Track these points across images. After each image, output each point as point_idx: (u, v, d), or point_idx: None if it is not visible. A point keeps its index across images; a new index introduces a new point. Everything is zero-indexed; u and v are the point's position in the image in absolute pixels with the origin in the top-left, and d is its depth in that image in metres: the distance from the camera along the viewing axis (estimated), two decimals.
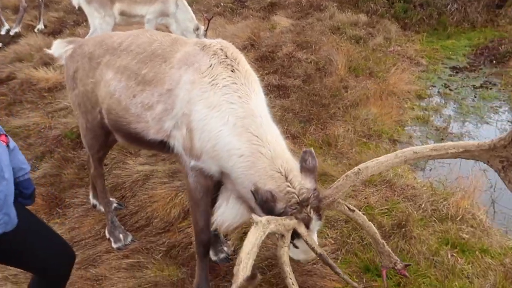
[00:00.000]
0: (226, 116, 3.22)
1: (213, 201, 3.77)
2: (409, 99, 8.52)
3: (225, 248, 4.50)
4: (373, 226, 2.98)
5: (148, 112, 3.60)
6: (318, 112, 7.36)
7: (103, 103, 3.97)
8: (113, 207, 5.05)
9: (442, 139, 7.34)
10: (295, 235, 2.97)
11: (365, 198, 5.04)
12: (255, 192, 2.93)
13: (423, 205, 4.88)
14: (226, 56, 3.45)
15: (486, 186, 5.70)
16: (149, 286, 4.19)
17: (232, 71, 3.38)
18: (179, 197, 5.22)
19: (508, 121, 8.01)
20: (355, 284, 3.35)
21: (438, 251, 4.16)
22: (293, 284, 2.66)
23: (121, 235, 4.78)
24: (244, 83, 3.35)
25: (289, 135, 6.54)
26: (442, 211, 4.81)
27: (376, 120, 7.32)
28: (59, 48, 4.42)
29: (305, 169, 3.12)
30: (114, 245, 4.74)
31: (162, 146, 3.68)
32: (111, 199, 5.23)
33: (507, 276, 3.76)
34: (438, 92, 9.12)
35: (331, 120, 7.18)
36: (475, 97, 8.88)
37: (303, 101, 7.70)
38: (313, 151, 3.26)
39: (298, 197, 2.97)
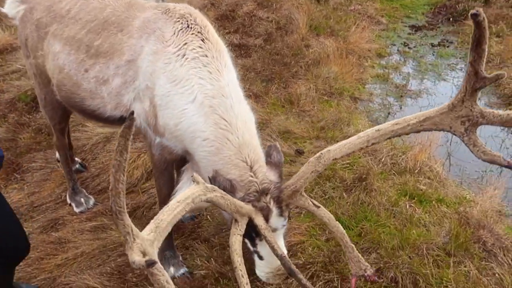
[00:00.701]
0: (193, 93, 2.91)
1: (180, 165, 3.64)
2: (369, 57, 8.61)
3: None
4: (341, 226, 2.70)
5: (104, 86, 3.32)
6: (280, 71, 7.34)
7: (53, 78, 3.67)
8: (75, 168, 4.91)
9: (401, 96, 7.50)
10: (257, 236, 2.80)
11: None
12: (213, 180, 2.72)
13: (383, 159, 5.00)
14: (195, 22, 3.10)
15: (442, 141, 5.89)
16: (114, 246, 4.16)
17: (202, 40, 3.03)
18: (141, 158, 5.16)
19: None
20: None
21: (397, 202, 4.30)
22: (242, 276, 2.46)
23: (82, 199, 4.69)
24: (215, 56, 3.01)
25: (251, 94, 6.50)
26: (401, 164, 4.95)
27: (337, 78, 7.37)
28: (11, 7, 3.94)
29: (270, 163, 2.93)
30: (76, 210, 4.65)
31: (123, 122, 3.47)
32: (76, 159, 5.13)
33: (461, 223, 3.94)
34: (398, 50, 9.23)
35: (293, 79, 7.18)
36: (433, 55, 9.06)
37: (264, 60, 7.65)
38: (278, 145, 3.05)
39: (258, 186, 2.77)
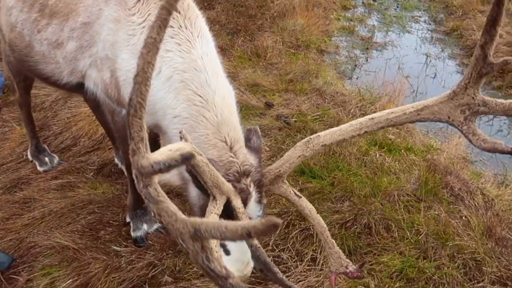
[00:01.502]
0: (157, 67, 2.60)
1: None
2: (335, 10, 8.54)
3: None
4: (322, 220, 2.54)
5: (58, 50, 3.03)
6: (245, 23, 7.17)
7: (5, 36, 3.38)
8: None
9: (367, 48, 7.50)
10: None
11: (297, 106, 5.09)
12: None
13: (352, 110, 5.03)
14: None
15: (408, 91, 5.98)
16: (83, 204, 4.05)
17: None
18: None
19: (428, 29, 8.30)
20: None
21: (368, 151, 4.35)
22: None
23: (47, 159, 4.50)
24: (185, 25, 2.70)
25: (217, 48, 6.33)
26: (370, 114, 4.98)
27: (303, 31, 7.27)
28: None
29: (250, 148, 2.69)
30: (40, 168, 4.46)
31: (81, 89, 3.13)
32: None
33: (429, 169, 4.04)
34: (362, 3, 9.19)
35: (259, 32, 7.03)
36: (397, 7, 9.06)
37: (229, 13, 7.44)
38: (258, 129, 2.80)
39: (239, 167, 2.51)
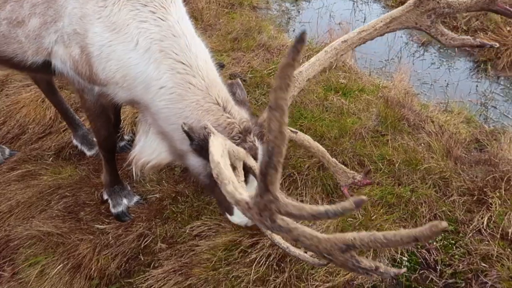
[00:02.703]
0: (133, 39, 2.54)
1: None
2: None
3: (125, 136, 4.33)
4: (320, 145, 2.67)
5: (19, 29, 2.84)
6: None
7: None
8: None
9: (296, 0, 7.61)
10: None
11: (248, 63, 5.14)
12: (190, 132, 2.41)
13: (301, 61, 5.15)
14: None
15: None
16: (51, 190, 3.91)
17: None
18: None
19: None
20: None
21: (326, 97, 4.54)
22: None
23: None
24: None
25: None
26: None
27: None
28: None
29: (238, 102, 2.71)
30: None
31: (48, 68, 2.97)
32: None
33: (387, 104, 4.31)
34: None
35: None
36: None
37: None
38: (239, 82, 2.85)
39: (239, 126, 2.53)
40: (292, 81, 1.28)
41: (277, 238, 2.21)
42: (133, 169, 3.04)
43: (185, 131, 2.43)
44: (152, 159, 2.93)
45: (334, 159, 2.61)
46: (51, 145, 4.44)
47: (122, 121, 4.32)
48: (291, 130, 2.65)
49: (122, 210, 3.65)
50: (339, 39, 2.61)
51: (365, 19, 7.02)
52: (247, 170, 2.45)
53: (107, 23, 2.59)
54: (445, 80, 5.49)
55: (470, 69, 5.73)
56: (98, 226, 3.60)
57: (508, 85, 5.32)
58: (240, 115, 2.59)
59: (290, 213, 1.40)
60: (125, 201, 3.69)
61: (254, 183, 2.53)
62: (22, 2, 2.77)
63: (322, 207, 1.30)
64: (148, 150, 2.92)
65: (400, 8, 2.48)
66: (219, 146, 2.01)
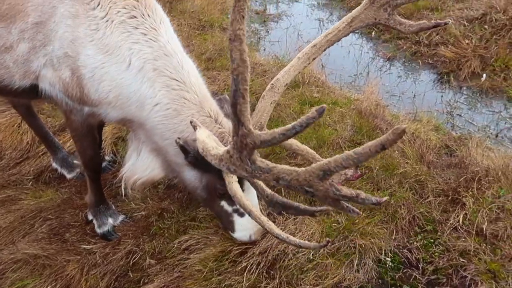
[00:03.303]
0: (126, 60, 2.64)
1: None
2: None
3: (106, 157, 4.35)
4: (309, 148, 2.80)
5: (7, 55, 2.86)
6: None
7: None
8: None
9: (264, 21, 7.85)
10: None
11: (223, 82, 5.26)
12: (185, 145, 2.51)
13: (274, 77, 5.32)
14: None
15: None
16: (33, 214, 3.88)
17: None
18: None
19: None
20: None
21: (302, 110, 4.70)
22: (260, 216, 2.36)
23: None
24: (147, 14, 2.70)
25: None
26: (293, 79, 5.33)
27: (203, 12, 7.40)
28: None
29: (226, 115, 2.82)
30: None
31: (34, 92, 3.00)
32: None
33: (361, 115, 4.50)
34: None
35: None
36: None
37: None
38: (227, 97, 2.97)
39: (229, 135, 2.63)
40: (246, 14, 1.40)
41: (276, 230, 2.28)
42: (124, 186, 3.10)
43: (180, 145, 2.52)
44: (145, 176, 3.00)
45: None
46: (30, 169, 4.41)
47: (103, 142, 4.35)
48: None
49: (108, 229, 3.65)
50: (308, 44, 2.76)
51: None
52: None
53: (100, 46, 2.66)
54: (412, 92, 5.76)
55: (434, 81, 6.03)
56: (84, 246, 3.58)
57: (471, 94, 5.63)
58: (229, 125, 2.69)
59: (264, 140, 1.52)
60: (110, 220, 3.70)
61: (251, 190, 2.62)
62: (10, 28, 2.79)
63: (289, 125, 1.43)
64: (141, 167, 2.99)
65: (358, 7, 2.70)
66: (205, 132, 2.18)
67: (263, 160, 1.66)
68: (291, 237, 2.24)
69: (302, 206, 2.16)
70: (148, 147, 2.93)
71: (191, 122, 2.31)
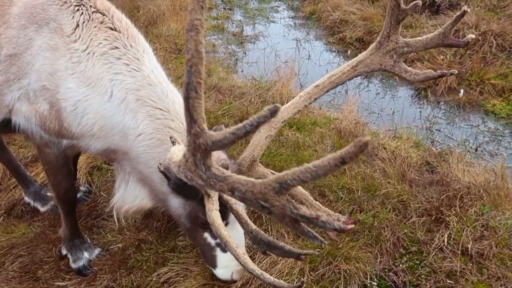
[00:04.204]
0: (108, 91, 2.57)
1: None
2: None
3: (81, 188, 4.21)
4: (302, 188, 2.69)
5: None
6: None
7: None
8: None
9: (241, 42, 7.84)
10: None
11: None
12: (166, 171, 2.36)
13: (253, 100, 5.28)
14: (95, 8, 2.66)
15: (291, 74, 6.41)
16: (5, 251, 3.69)
17: (111, 28, 2.63)
18: None
19: (289, 17, 8.93)
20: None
21: (282, 132, 4.63)
22: (237, 247, 2.26)
23: None
24: (129, 44, 2.64)
25: None
26: (269, 100, 5.29)
27: (178, 35, 7.36)
28: None
29: None
30: None
31: (6, 126, 2.89)
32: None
33: (340, 135, 4.45)
34: (222, 1, 9.51)
35: None
36: (256, 0, 9.57)
37: None
38: (222, 126, 2.78)
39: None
40: (205, 5, 1.35)
41: (251, 265, 2.17)
42: (116, 216, 3.03)
43: (161, 171, 2.40)
44: (135, 206, 2.93)
45: (318, 203, 2.60)
46: (1, 203, 4.24)
47: (78, 172, 4.21)
48: (272, 173, 2.63)
49: (83, 264, 3.50)
50: (312, 84, 2.68)
51: (309, 56, 7.31)
52: (226, 207, 2.44)
53: (83, 78, 2.58)
54: (391, 108, 5.76)
55: (412, 96, 6.06)
56: (58, 283, 3.41)
57: (449, 109, 5.65)
58: (218, 154, 2.61)
59: (216, 140, 1.42)
60: (86, 254, 3.54)
61: (235, 224, 2.50)
62: None
63: (241, 124, 1.34)
64: (129, 198, 2.92)
65: (364, 52, 2.61)
66: (179, 146, 2.07)
67: (219, 167, 1.56)
68: (266, 274, 2.12)
69: (287, 247, 2.05)
70: (135, 177, 2.85)
71: (170, 138, 2.22)
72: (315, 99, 2.64)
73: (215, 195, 2.39)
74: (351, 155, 1.18)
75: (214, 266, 2.83)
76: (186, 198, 2.66)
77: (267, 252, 2.13)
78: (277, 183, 1.34)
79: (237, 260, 2.22)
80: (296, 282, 1.92)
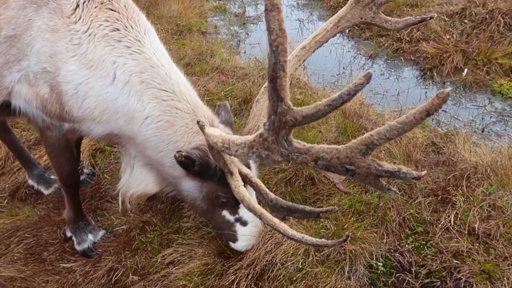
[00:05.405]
0: (111, 74, 2.54)
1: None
2: None
3: (85, 170, 4.19)
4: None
5: None
6: None
7: None
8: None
9: (244, 23, 7.74)
10: (235, 202, 2.68)
11: (204, 87, 5.13)
12: (190, 155, 2.44)
13: (256, 81, 5.22)
14: None
15: None
16: (10, 233, 3.70)
17: (111, 9, 2.58)
18: None
19: None
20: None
21: None
22: (272, 219, 2.26)
23: None
24: (130, 25, 2.59)
25: None
26: None
27: (180, 16, 7.26)
28: None
29: (223, 122, 2.81)
30: None
31: (6, 109, 2.87)
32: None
33: (345, 116, 4.40)
34: None
35: None
36: None
37: None
38: (227, 104, 2.97)
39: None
40: None
41: (290, 231, 2.19)
42: (121, 200, 3.03)
43: (184, 157, 2.43)
44: (139, 190, 2.94)
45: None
46: (5, 186, 4.24)
47: (81, 154, 4.19)
48: None
49: (88, 246, 3.50)
50: (297, 46, 2.73)
51: None
52: (243, 176, 2.47)
53: (84, 61, 2.55)
54: (396, 89, 5.69)
55: (417, 77, 5.97)
56: (63, 265, 3.42)
57: (455, 89, 5.57)
58: (226, 131, 2.64)
59: (307, 115, 1.48)
60: (90, 236, 3.55)
61: (251, 192, 2.53)
62: None
63: (336, 95, 1.42)
64: (135, 182, 2.93)
65: (344, 8, 2.72)
66: (215, 129, 2.16)
67: (299, 141, 1.63)
68: (307, 237, 2.15)
69: (308, 208, 2.14)
70: (141, 161, 2.86)
71: (198, 122, 2.19)
72: (304, 60, 2.73)
73: (236, 172, 2.43)
74: (435, 107, 1.28)
75: (235, 240, 2.91)
76: (204, 180, 2.67)
77: (286, 217, 2.22)
78: (363, 145, 1.43)
79: (275, 229, 2.25)
80: (342, 238, 2.02)
